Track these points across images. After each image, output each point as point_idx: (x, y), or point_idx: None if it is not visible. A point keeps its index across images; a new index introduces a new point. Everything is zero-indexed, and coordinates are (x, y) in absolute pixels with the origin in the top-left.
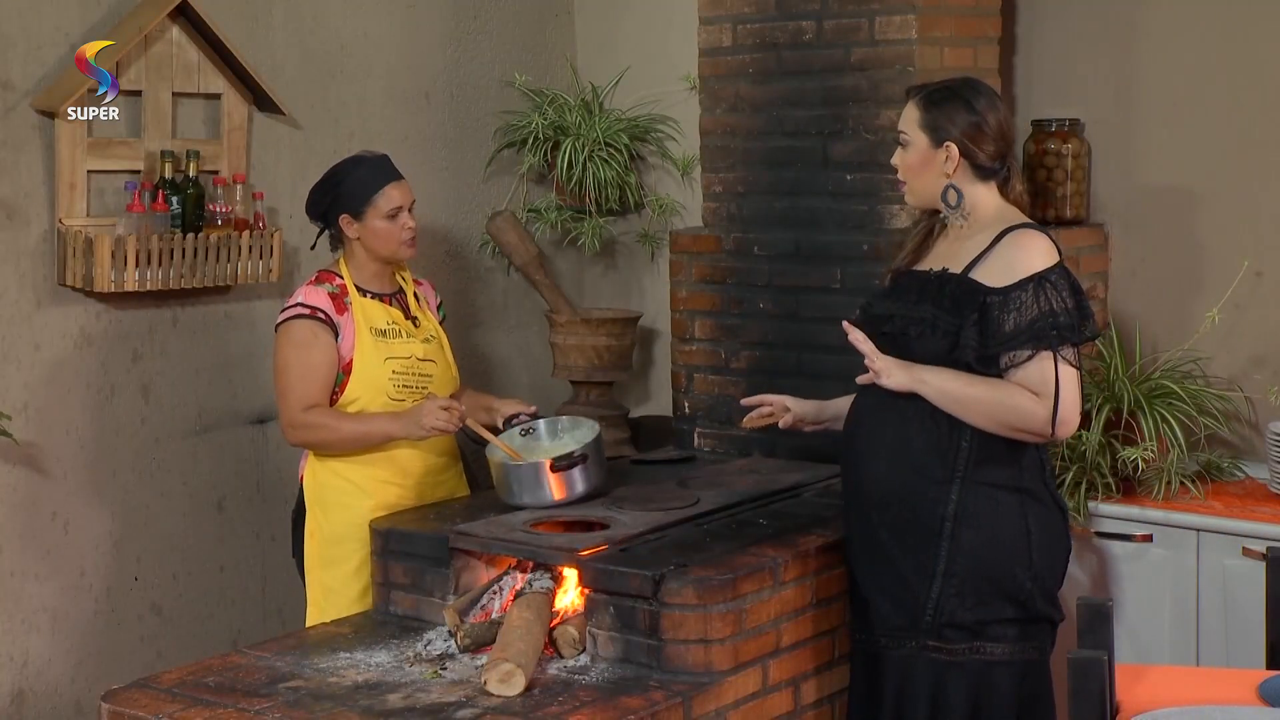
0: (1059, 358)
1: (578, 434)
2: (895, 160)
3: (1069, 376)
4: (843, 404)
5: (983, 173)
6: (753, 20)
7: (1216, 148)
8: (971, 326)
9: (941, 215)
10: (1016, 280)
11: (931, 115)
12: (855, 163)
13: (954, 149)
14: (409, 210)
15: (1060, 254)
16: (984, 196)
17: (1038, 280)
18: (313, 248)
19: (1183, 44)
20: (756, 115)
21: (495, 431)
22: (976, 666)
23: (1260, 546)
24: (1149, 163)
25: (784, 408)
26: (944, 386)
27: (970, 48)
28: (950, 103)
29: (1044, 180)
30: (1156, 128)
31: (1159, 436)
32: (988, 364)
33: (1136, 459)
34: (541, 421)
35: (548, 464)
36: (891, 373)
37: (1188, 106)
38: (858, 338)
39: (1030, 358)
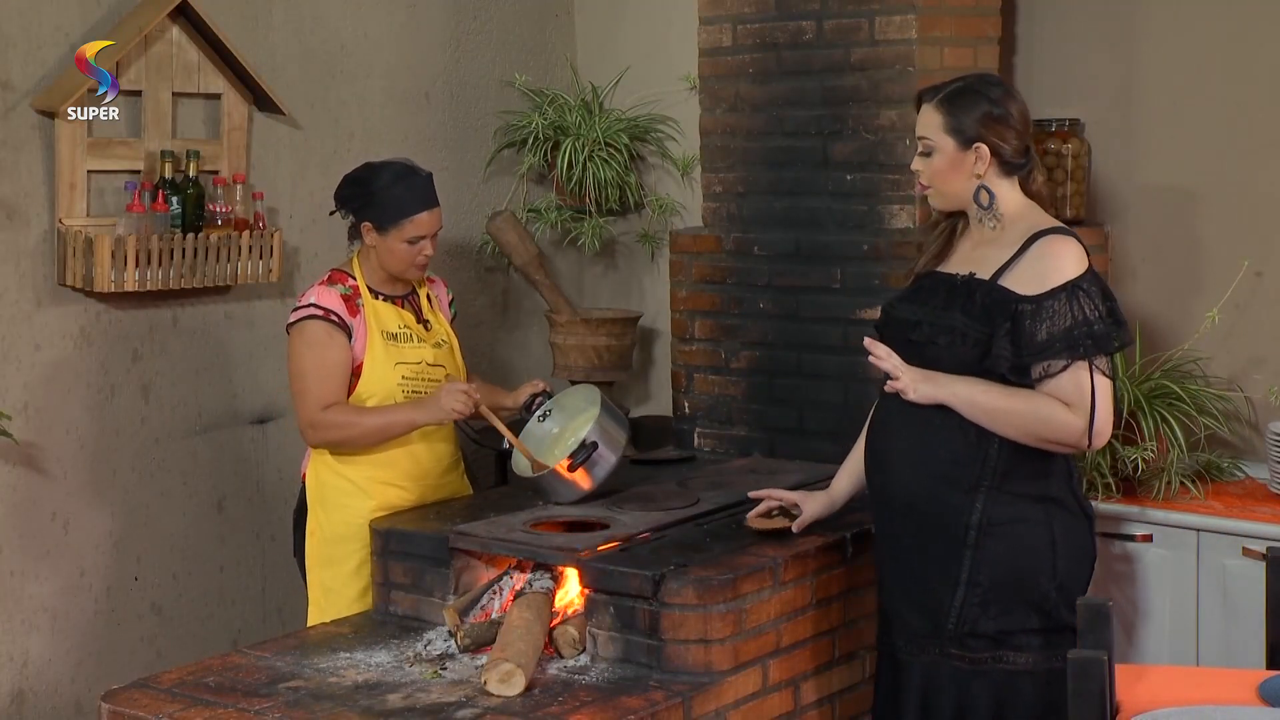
0: (1094, 367)
1: (584, 413)
2: (917, 166)
3: (1104, 386)
4: (844, 478)
5: (1009, 168)
6: (753, 20)
7: (1216, 148)
8: (1004, 336)
9: (974, 215)
10: (1049, 288)
11: (955, 117)
12: (855, 163)
13: (984, 149)
14: (432, 238)
15: (1089, 258)
16: (1008, 193)
17: (1070, 288)
18: (331, 214)
19: (1183, 44)
20: (756, 115)
21: (519, 421)
22: (1001, 675)
23: (1260, 546)
24: (1149, 163)
25: (794, 504)
26: (974, 399)
27: (970, 48)
28: (972, 101)
29: (1044, 180)
30: (1156, 128)
31: (1159, 436)
32: (1020, 374)
33: (1136, 459)
34: (552, 401)
35: (565, 466)
36: (918, 387)
37: (1188, 106)
38: (881, 353)
39: (1065, 368)
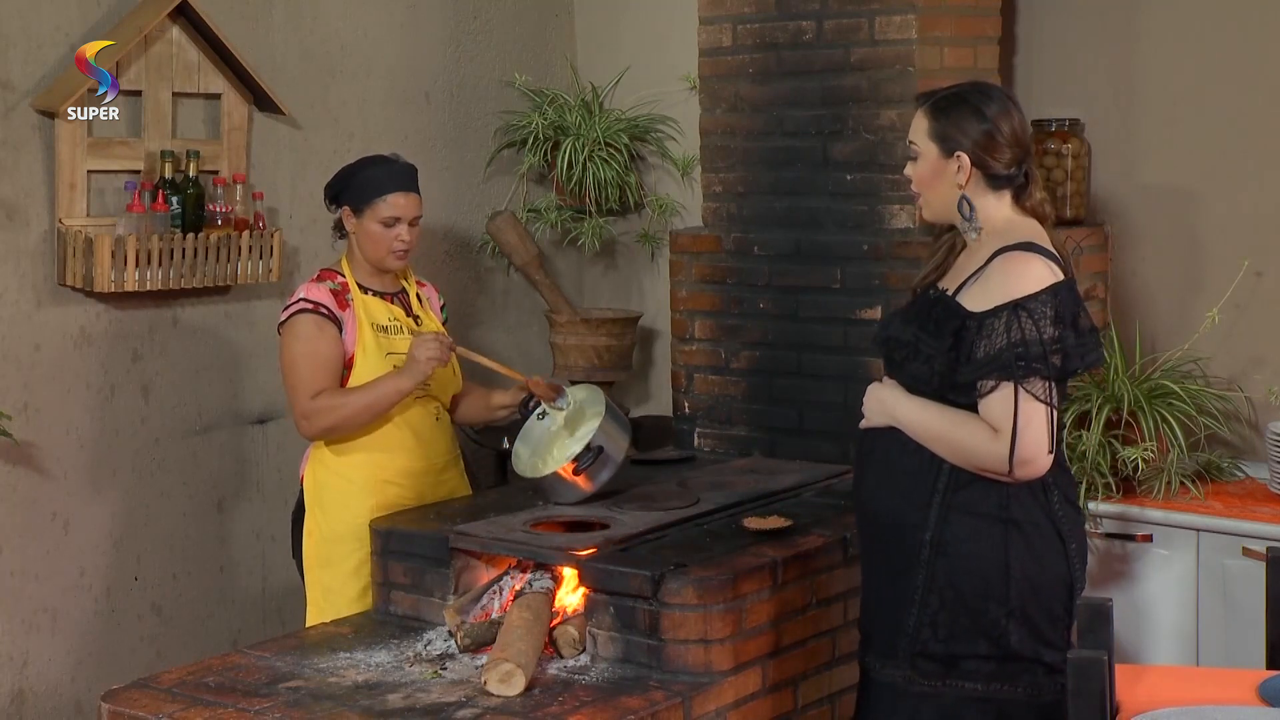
0: (1022, 391)
1: (588, 411)
2: (907, 172)
3: (1032, 413)
4: None
5: (997, 182)
6: (753, 20)
7: (1216, 148)
8: (947, 353)
9: (961, 227)
10: (994, 305)
11: (940, 124)
12: (855, 163)
13: (965, 159)
14: (410, 224)
15: (1064, 274)
16: (994, 208)
17: (1014, 307)
18: (333, 229)
19: (1183, 44)
20: (756, 115)
21: (517, 420)
22: (950, 700)
23: (1260, 546)
24: (1149, 163)
25: None
26: (910, 419)
27: (970, 48)
28: (959, 110)
29: (1044, 180)
30: (1156, 128)
31: (1159, 436)
32: (961, 392)
33: (1136, 459)
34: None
35: (570, 469)
36: (871, 415)
37: (1188, 106)
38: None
39: (993, 390)
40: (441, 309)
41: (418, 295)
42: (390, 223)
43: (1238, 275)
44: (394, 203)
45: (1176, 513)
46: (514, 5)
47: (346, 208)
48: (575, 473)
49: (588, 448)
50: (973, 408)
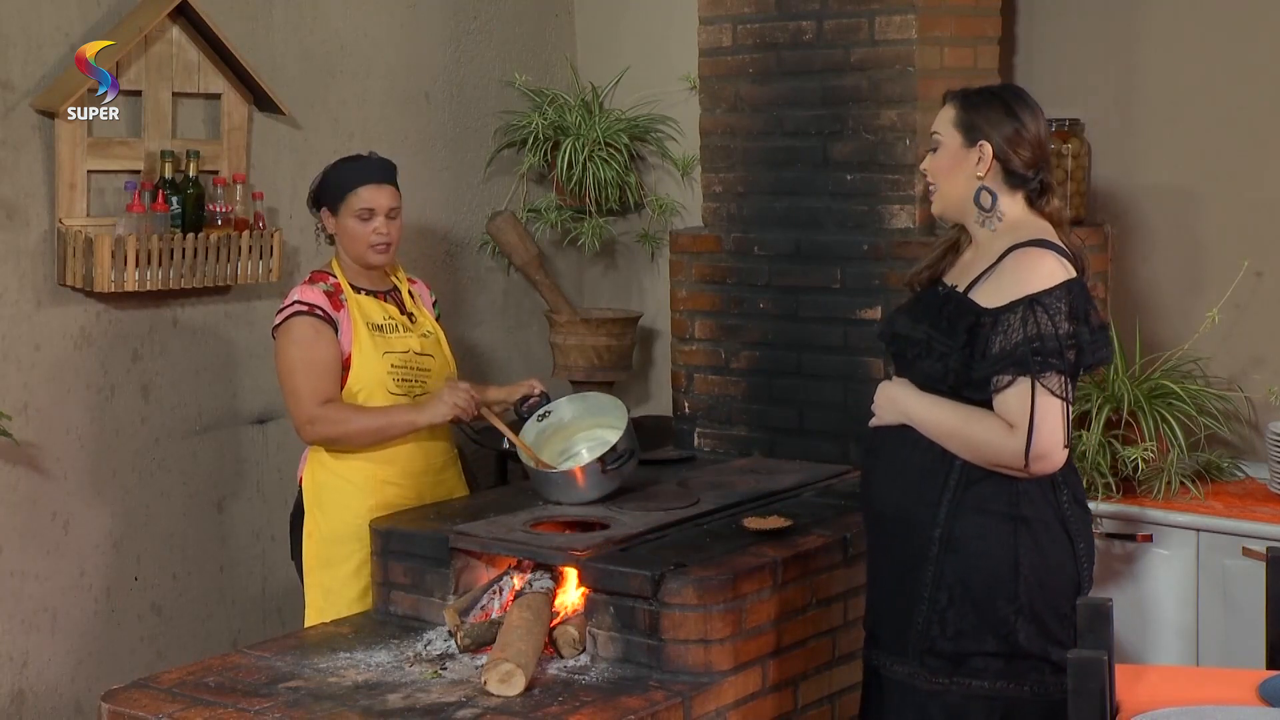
0: (1039, 386)
1: (605, 418)
2: (925, 165)
3: (1048, 407)
4: None
5: (1014, 180)
6: (753, 20)
7: (1216, 148)
8: (961, 349)
9: (977, 219)
10: (1009, 301)
11: (968, 115)
12: (855, 163)
13: (988, 148)
14: (386, 216)
15: (1077, 271)
16: (1007, 206)
17: (1029, 302)
18: (317, 241)
19: (1183, 44)
20: (756, 115)
21: (514, 420)
22: (956, 698)
23: (1260, 546)
24: (1149, 163)
25: None
26: (924, 417)
27: (970, 48)
28: (989, 104)
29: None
30: (1156, 128)
31: (1159, 436)
32: (976, 389)
33: (1136, 459)
34: (562, 401)
35: (600, 465)
36: (881, 412)
37: (1188, 106)
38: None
39: (1009, 384)
40: (434, 305)
41: (410, 292)
42: (365, 215)
43: (1238, 275)
44: (365, 195)
45: (1176, 513)
46: (514, 5)
47: (325, 209)
48: (604, 470)
49: (614, 449)
50: (987, 404)
